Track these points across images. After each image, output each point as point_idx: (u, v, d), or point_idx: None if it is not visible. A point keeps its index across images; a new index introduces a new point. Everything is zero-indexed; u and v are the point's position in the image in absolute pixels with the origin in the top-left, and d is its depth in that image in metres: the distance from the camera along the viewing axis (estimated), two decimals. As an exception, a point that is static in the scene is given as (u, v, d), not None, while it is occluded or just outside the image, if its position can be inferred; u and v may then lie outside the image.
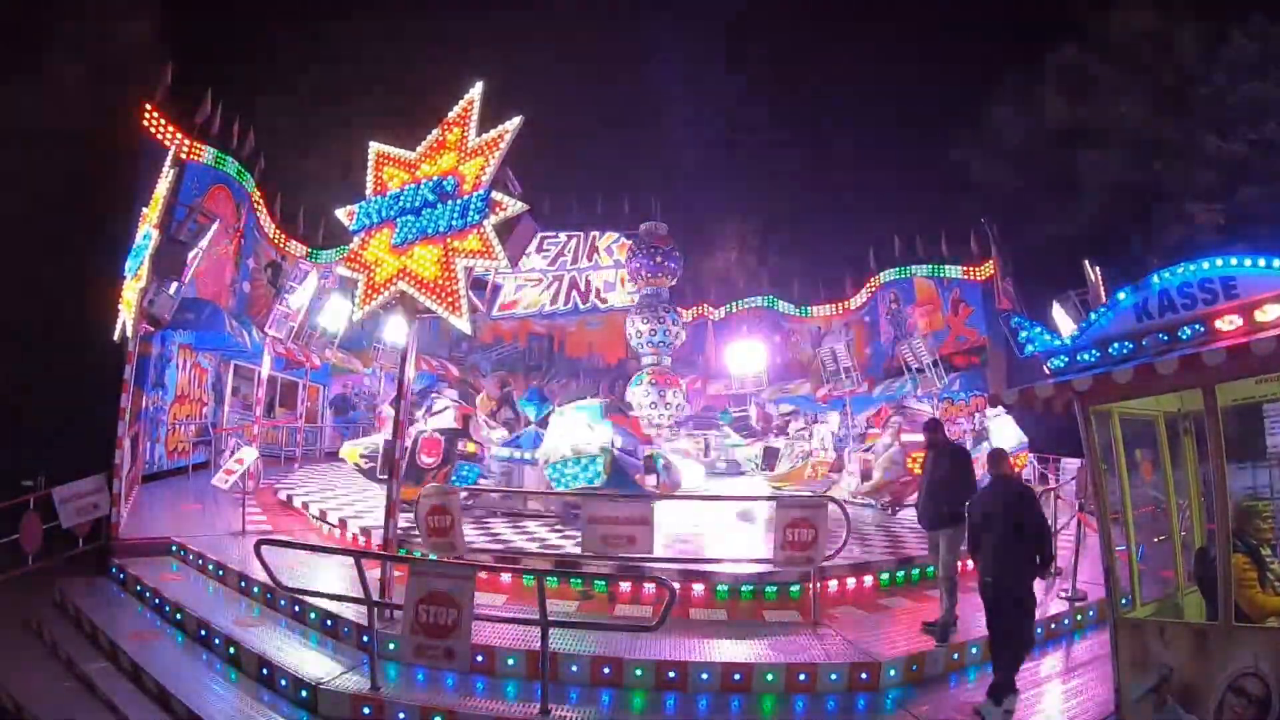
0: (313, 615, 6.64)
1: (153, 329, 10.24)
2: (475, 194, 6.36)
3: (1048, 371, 5.36)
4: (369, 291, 6.79)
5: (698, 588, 7.45)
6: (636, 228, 21.68)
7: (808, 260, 27.75)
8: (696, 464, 15.20)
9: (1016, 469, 10.61)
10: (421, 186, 6.73)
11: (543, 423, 11.89)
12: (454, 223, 6.40)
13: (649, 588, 7.26)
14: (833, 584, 7.74)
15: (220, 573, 7.87)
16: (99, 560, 8.59)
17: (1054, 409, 5.38)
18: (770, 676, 5.60)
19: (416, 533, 7.53)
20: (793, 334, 24.16)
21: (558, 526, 9.93)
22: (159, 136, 12.85)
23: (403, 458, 7.61)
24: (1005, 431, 13.56)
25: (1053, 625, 7.04)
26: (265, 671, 5.78)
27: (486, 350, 24.79)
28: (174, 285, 9.27)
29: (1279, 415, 4.81)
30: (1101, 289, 9.27)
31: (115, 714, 5.61)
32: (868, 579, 8.05)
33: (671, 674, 5.59)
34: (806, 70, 32.60)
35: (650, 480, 10.95)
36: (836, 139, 30.16)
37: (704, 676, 5.58)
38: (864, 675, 5.68)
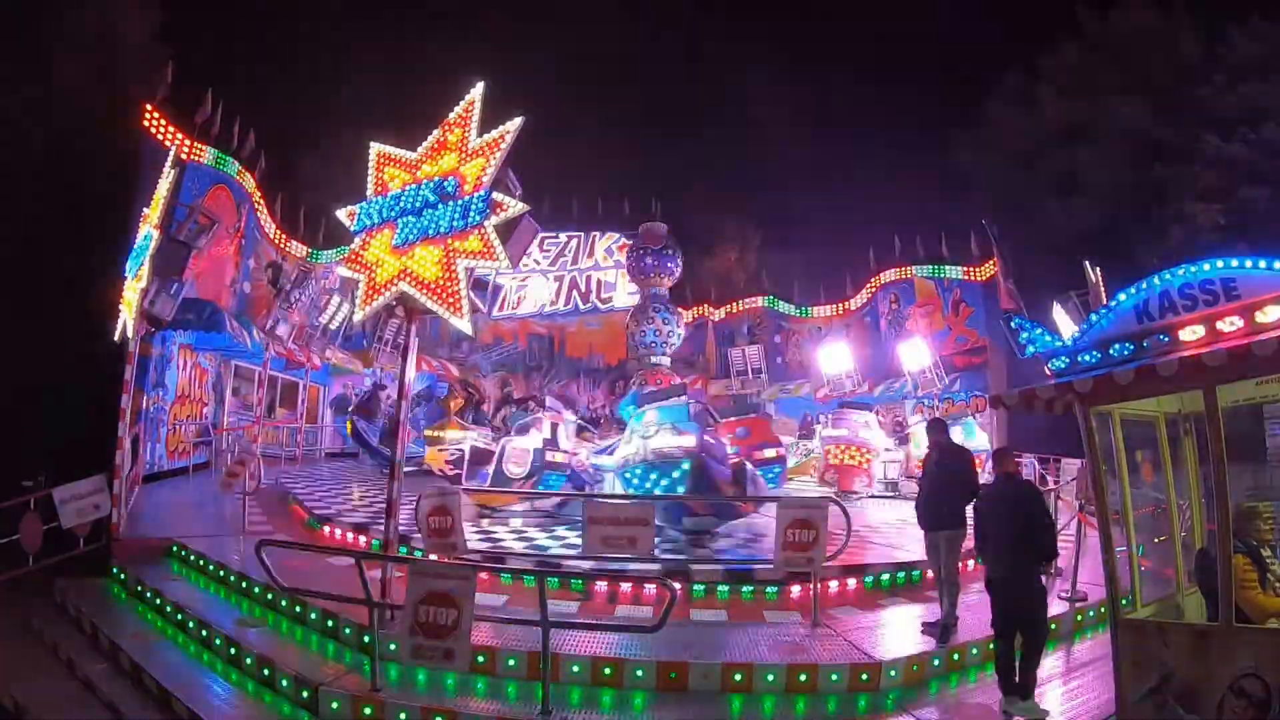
0: (313, 616, 6.64)
1: (153, 329, 10.24)
2: (476, 195, 6.36)
3: (1049, 373, 5.35)
4: (370, 292, 6.79)
5: (698, 587, 7.45)
6: (636, 228, 21.69)
7: (808, 260, 27.82)
8: None
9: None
10: (422, 187, 6.72)
11: None
12: (455, 223, 6.40)
13: (649, 588, 7.26)
14: (833, 584, 7.74)
15: (221, 573, 7.87)
16: (99, 561, 8.59)
17: (1055, 410, 5.38)
18: (770, 677, 5.60)
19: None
20: (793, 334, 24.16)
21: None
22: (159, 136, 12.85)
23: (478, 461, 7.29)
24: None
25: (1053, 626, 7.02)
26: (266, 672, 5.79)
27: (487, 350, 24.80)
28: (174, 285, 9.27)
29: (1279, 416, 4.82)
30: (1102, 290, 9.25)
31: (116, 715, 5.61)
32: (868, 579, 8.04)
33: (672, 674, 5.59)
34: (806, 70, 32.62)
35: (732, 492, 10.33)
36: (837, 139, 30.17)
37: (704, 677, 5.58)
38: (864, 676, 5.68)
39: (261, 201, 17.33)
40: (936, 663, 6.02)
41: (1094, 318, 5.21)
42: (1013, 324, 6.47)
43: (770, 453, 10.26)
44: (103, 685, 5.98)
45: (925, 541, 6.81)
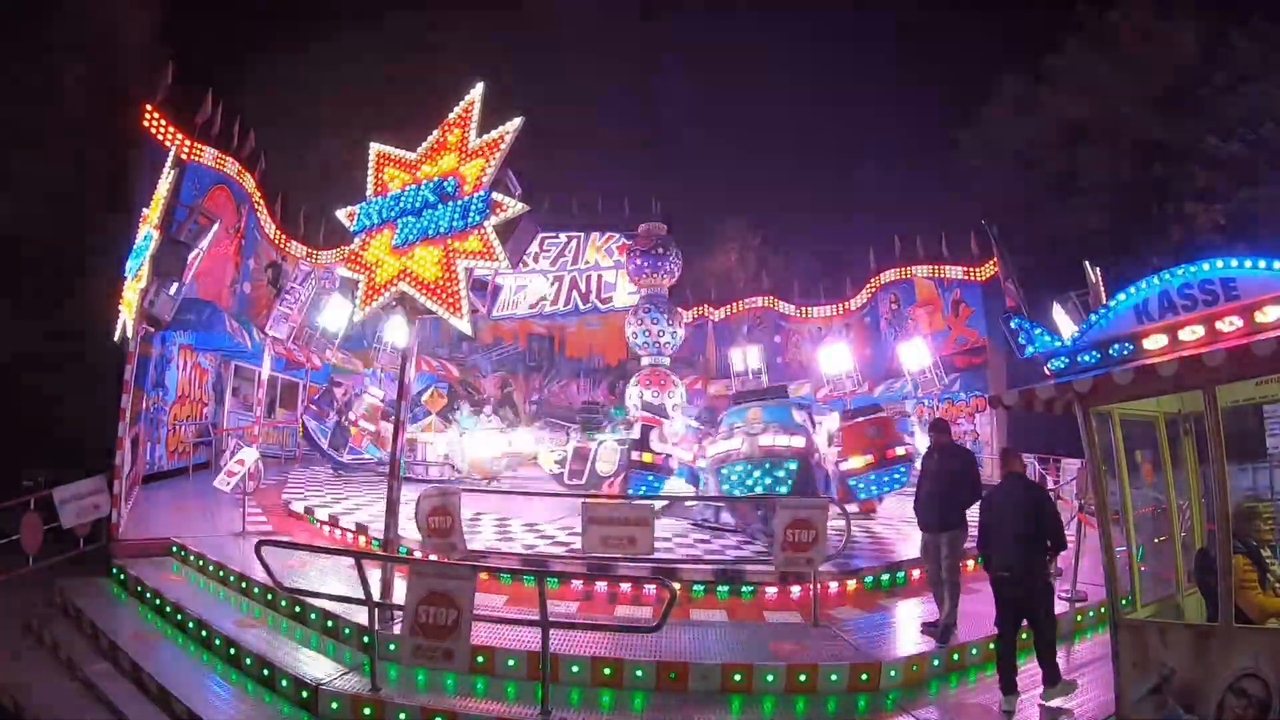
0: (313, 616, 6.64)
1: (153, 329, 10.24)
2: (476, 195, 6.37)
3: (1048, 373, 5.36)
4: (370, 292, 6.79)
5: (698, 588, 7.46)
6: (636, 228, 21.67)
7: (808, 260, 27.81)
8: None
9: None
10: (422, 187, 6.73)
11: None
12: (455, 224, 6.40)
13: (649, 589, 7.26)
14: (833, 584, 7.74)
15: (221, 573, 7.87)
16: (99, 561, 8.59)
17: (1054, 410, 5.38)
18: (770, 677, 5.60)
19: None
20: (793, 334, 24.15)
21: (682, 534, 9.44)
22: (159, 137, 12.85)
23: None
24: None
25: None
26: (266, 672, 5.79)
27: (487, 350, 24.79)
28: (174, 286, 9.27)
29: (1279, 416, 4.82)
30: (1102, 290, 9.26)
31: (116, 714, 5.62)
32: (868, 580, 8.04)
33: (672, 674, 5.59)
34: (807, 70, 32.61)
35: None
36: (837, 139, 30.16)
37: (704, 677, 5.58)
38: (864, 676, 5.68)
39: (261, 201, 17.33)
40: (936, 663, 6.02)
41: (1094, 318, 5.22)
42: (1013, 324, 6.48)
43: (901, 450, 10.39)
44: (103, 685, 5.98)
45: (923, 541, 6.73)
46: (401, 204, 6.80)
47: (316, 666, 5.77)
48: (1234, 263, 4.57)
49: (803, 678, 5.61)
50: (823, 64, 31.20)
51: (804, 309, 23.83)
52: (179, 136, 13.16)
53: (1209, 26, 21.48)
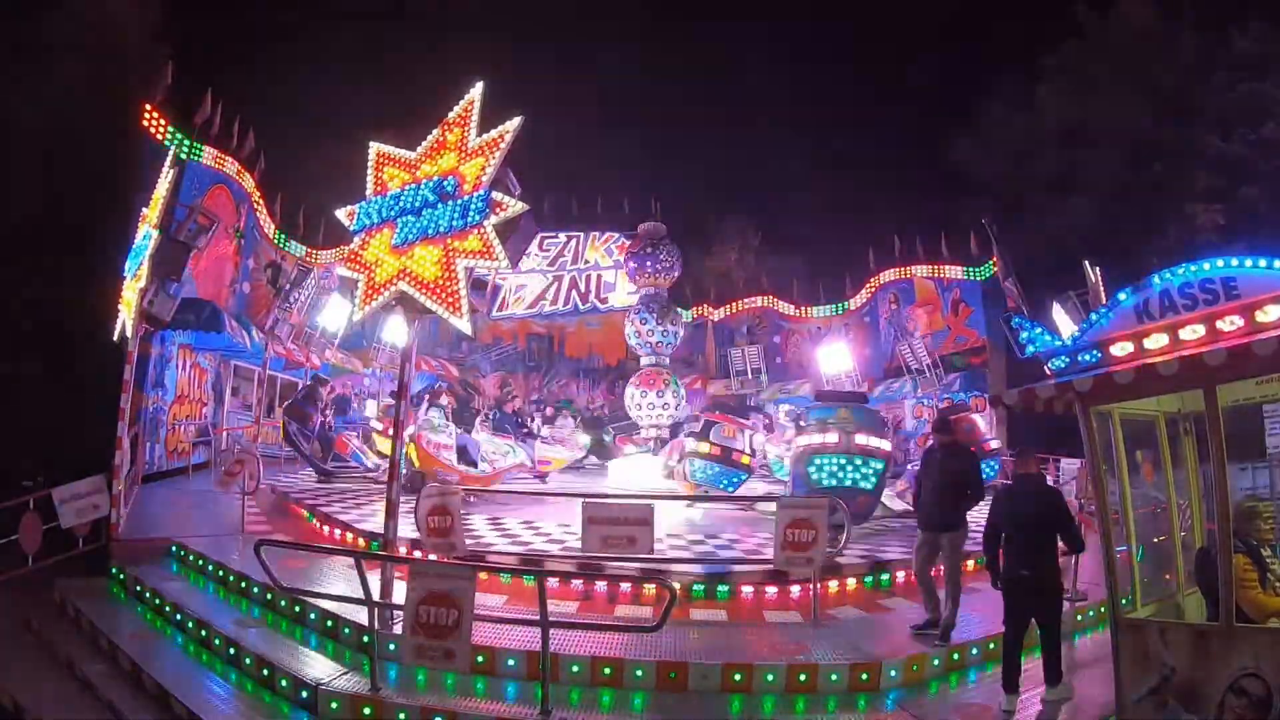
0: (313, 616, 6.63)
1: (152, 329, 10.24)
2: (476, 194, 6.36)
3: (1048, 372, 5.36)
4: (369, 292, 6.78)
5: (698, 588, 7.45)
6: (636, 228, 21.65)
7: (808, 260, 27.83)
8: None
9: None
10: (422, 187, 6.72)
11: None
12: (454, 223, 6.39)
13: (649, 588, 7.26)
14: (833, 584, 7.73)
15: (220, 573, 7.86)
16: (99, 561, 8.58)
17: (1055, 409, 5.38)
18: (770, 676, 5.60)
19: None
20: (793, 334, 24.15)
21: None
22: (159, 136, 12.84)
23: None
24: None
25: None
26: (265, 672, 5.78)
27: (486, 350, 24.79)
28: (174, 285, 9.27)
29: (1279, 416, 4.82)
30: (1101, 289, 9.25)
31: (115, 714, 5.61)
32: (868, 579, 8.04)
33: (672, 674, 5.59)
34: (807, 69, 32.64)
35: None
36: (837, 139, 30.19)
37: (704, 677, 5.58)
38: (864, 676, 5.68)
39: (261, 201, 17.33)
40: (936, 663, 6.01)
41: (1094, 317, 5.22)
42: (1013, 324, 6.48)
43: (995, 444, 11.71)
44: (102, 685, 5.98)
45: (920, 540, 6.65)
46: (401, 203, 6.79)
47: (316, 666, 5.76)
48: (1234, 262, 4.57)
49: (803, 677, 5.60)
50: (823, 63, 31.25)
51: (804, 309, 23.84)
52: (178, 136, 13.14)
53: (1209, 26, 21.49)
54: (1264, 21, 20.29)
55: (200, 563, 8.21)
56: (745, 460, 12.51)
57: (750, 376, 23.55)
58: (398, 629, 5.53)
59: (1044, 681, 5.36)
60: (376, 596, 5.65)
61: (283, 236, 18.57)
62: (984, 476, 7.09)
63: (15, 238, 15.76)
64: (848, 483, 9.70)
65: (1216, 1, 21.21)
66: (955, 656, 6.12)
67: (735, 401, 22.88)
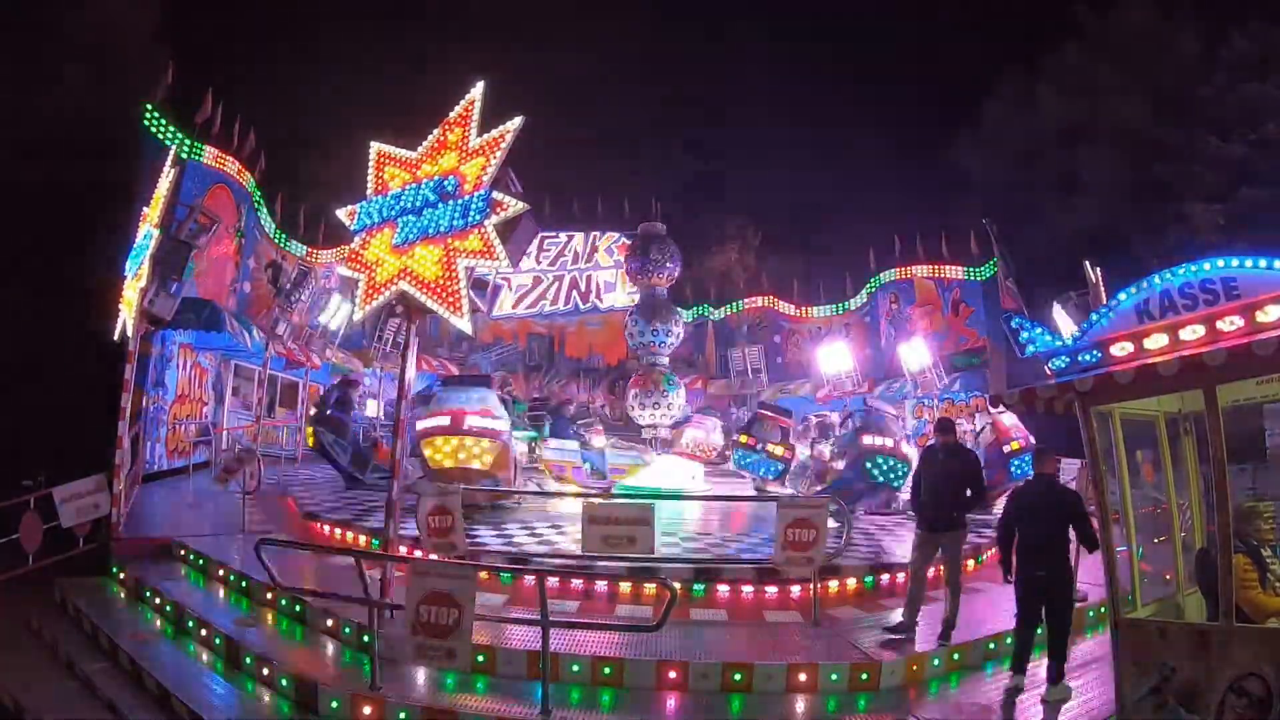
0: (313, 615, 6.64)
1: (153, 328, 10.23)
2: (476, 194, 6.36)
3: (1049, 372, 5.35)
4: (370, 291, 6.78)
5: (698, 588, 7.46)
6: (636, 228, 21.65)
7: (808, 260, 27.80)
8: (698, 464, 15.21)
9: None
10: (422, 186, 6.72)
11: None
12: (455, 223, 6.40)
13: (649, 588, 7.26)
14: (833, 584, 7.73)
15: (221, 573, 7.87)
16: (99, 560, 8.59)
17: (1055, 409, 5.38)
18: (770, 677, 5.60)
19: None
20: (793, 334, 24.15)
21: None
22: (159, 136, 12.85)
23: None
24: None
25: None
26: (265, 672, 5.78)
27: (486, 350, 24.78)
28: (174, 285, 9.27)
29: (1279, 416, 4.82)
30: (1102, 289, 9.27)
31: (115, 714, 5.61)
32: (868, 579, 8.03)
33: (672, 674, 5.59)
34: (807, 69, 32.63)
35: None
36: (836, 139, 30.16)
37: (704, 677, 5.58)
38: (864, 676, 5.68)
39: (261, 201, 17.33)
40: (936, 663, 6.01)
41: (1094, 317, 5.21)
42: (1013, 324, 6.47)
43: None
44: (102, 685, 5.98)
45: (918, 540, 6.62)
46: (402, 203, 6.80)
47: (316, 666, 5.76)
48: (1234, 262, 4.57)
49: (803, 677, 5.61)
50: (823, 63, 31.24)
51: (804, 309, 23.83)
52: (179, 136, 13.16)
53: (1209, 26, 21.49)
54: (1264, 21, 20.28)
55: (201, 562, 8.21)
56: (782, 452, 13.90)
57: (750, 376, 23.54)
58: (398, 629, 5.53)
59: (1045, 681, 5.37)
60: (376, 596, 5.66)
61: (283, 236, 18.61)
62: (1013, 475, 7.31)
63: (15, 237, 15.74)
64: (896, 483, 11.49)
65: (1216, 1, 21.21)
66: (955, 656, 6.12)
67: (734, 402, 22.91)
